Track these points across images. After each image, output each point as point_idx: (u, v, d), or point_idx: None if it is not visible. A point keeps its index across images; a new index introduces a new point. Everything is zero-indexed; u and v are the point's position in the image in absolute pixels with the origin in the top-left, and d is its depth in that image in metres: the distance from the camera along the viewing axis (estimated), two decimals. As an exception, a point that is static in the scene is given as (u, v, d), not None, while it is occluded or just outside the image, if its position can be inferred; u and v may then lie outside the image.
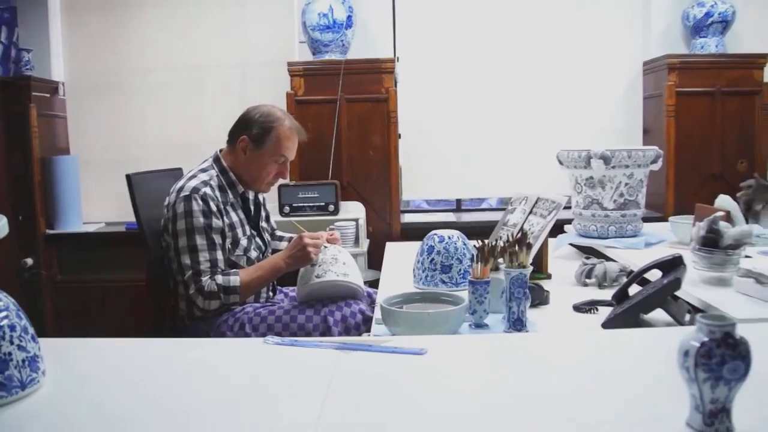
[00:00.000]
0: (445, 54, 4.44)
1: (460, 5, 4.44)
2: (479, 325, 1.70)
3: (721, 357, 0.89)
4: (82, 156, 4.33)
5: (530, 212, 2.38)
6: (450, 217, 4.52)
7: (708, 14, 4.25)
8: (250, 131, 2.27)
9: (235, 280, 2.15)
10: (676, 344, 0.95)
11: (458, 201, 4.75)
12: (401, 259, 2.54)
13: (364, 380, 1.22)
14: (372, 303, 2.29)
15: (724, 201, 2.67)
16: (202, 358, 1.36)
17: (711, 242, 1.94)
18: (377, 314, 1.77)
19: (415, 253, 2.26)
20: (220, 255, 2.16)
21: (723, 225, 1.96)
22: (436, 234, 2.22)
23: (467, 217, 4.51)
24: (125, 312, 3.99)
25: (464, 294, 1.75)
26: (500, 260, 1.78)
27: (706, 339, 0.90)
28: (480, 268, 1.72)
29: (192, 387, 1.19)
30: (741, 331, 0.92)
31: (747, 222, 2.75)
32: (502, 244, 1.75)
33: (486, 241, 1.80)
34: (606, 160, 2.61)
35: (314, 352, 1.36)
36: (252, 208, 2.42)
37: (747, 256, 2.12)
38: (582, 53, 4.47)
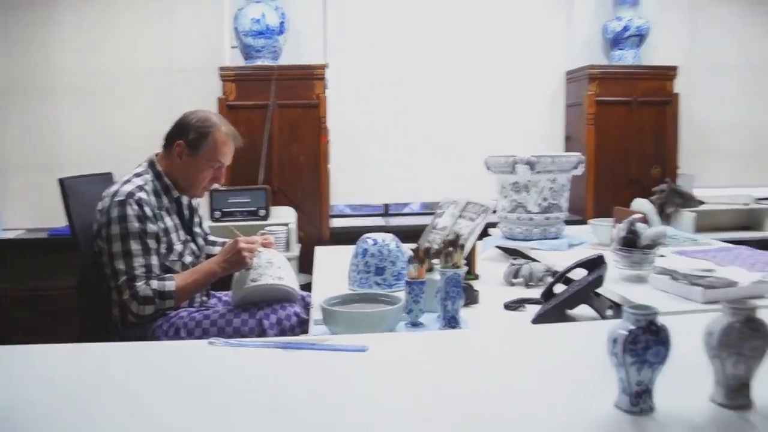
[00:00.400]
0: (375, 61, 4.52)
1: (389, 13, 4.53)
2: (415, 324, 1.76)
3: (645, 343, 0.97)
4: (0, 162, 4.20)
5: (459, 215, 2.46)
6: (379, 221, 4.59)
7: (626, 28, 4.46)
8: (187, 136, 2.26)
9: (170, 285, 2.14)
10: (600, 335, 1.03)
11: (386, 206, 4.83)
12: (332, 263, 2.58)
13: (310, 377, 1.26)
14: (306, 306, 2.32)
15: (640, 204, 2.81)
16: (148, 361, 1.36)
17: (630, 242, 2.06)
18: (316, 315, 1.81)
19: (345, 257, 2.30)
20: (155, 260, 2.15)
21: (640, 226, 2.09)
22: (370, 237, 2.26)
23: (395, 222, 4.59)
24: (50, 320, 3.89)
25: (399, 294, 1.81)
26: (434, 261, 1.85)
27: (632, 327, 0.99)
28: (416, 269, 1.78)
29: (141, 390, 1.20)
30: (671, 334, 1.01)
31: (664, 225, 2.90)
32: (436, 246, 1.82)
33: (420, 244, 1.87)
34: (531, 165, 2.72)
35: (260, 352, 1.39)
36: (186, 213, 2.42)
37: (661, 256, 2.25)
38: (508, 63, 4.63)
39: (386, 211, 4.85)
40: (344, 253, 2.35)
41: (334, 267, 2.46)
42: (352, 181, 4.52)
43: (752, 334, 1.01)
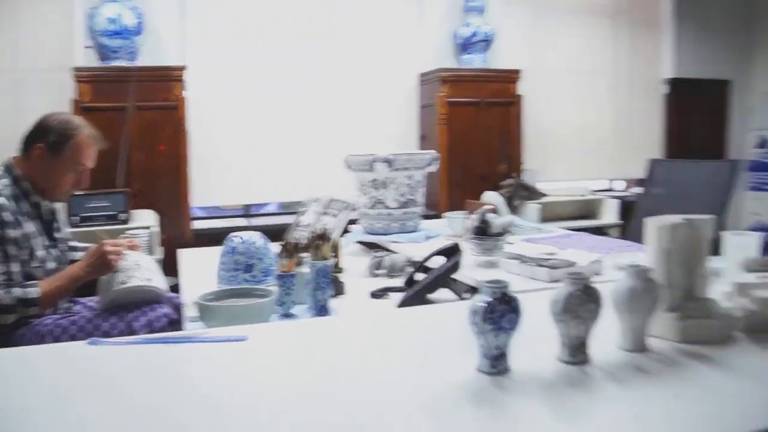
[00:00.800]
0: (234, 62, 4.53)
1: (248, 15, 4.55)
2: (287, 315, 1.84)
3: (501, 312, 1.12)
4: None
5: (323, 212, 2.56)
6: (240, 222, 4.60)
7: (474, 33, 4.74)
8: (47, 139, 2.20)
9: (33, 291, 2.08)
10: (459, 314, 1.17)
11: (247, 206, 4.85)
12: (198, 264, 2.59)
13: (194, 368, 1.31)
14: (176, 306, 2.32)
15: (490, 197, 3.03)
16: (24, 366, 1.35)
17: (482, 231, 2.24)
18: (191, 313, 1.84)
19: (210, 258, 2.33)
20: (15, 267, 2.09)
21: (491, 216, 2.28)
22: (237, 236, 2.31)
23: (256, 222, 4.61)
24: None
25: (270, 289, 1.88)
26: (303, 255, 1.93)
27: (490, 299, 1.12)
28: (286, 263, 1.85)
29: (18, 393, 1.21)
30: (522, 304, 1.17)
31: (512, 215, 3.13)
32: (305, 241, 1.90)
33: (288, 240, 1.95)
34: (389, 163, 2.86)
35: (140, 349, 1.41)
36: (47, 217, 2.36)
37: (510, 243, 2.45)
38: (365, 66, 4.79)
39: (247, 211, 4.87)
40: (209, 254, 2.37)
41: (200, 268, 2.48)
42: (213, 182, 4.50)
43: (588, 299, 1.19)
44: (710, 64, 5.99)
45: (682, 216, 1.42)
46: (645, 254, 1.46)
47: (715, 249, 2.00)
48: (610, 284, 1.33)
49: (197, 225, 4.41)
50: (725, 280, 1.62)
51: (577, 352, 1.22)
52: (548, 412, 1.05)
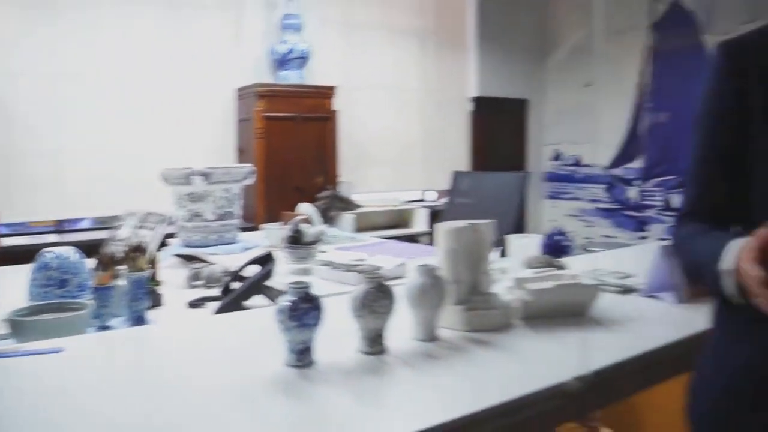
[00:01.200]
0: (48, 76, 4.34)
1: (63, 27, 4.39)
2: (104, 327, 1.86)
3: (304, 309, 1.25)
4: None
5: (139, 226, 2.57)
6: (52, 238, 4.43)
7: (290, 50, 4.88)
8: None
9: None
10: (272, 318, 1.28)
11: (59, 222, 4.67)
12: (4, 282, 2.50)
13: (8, 383, 1.33)
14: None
15: (304, 208, 3.16)
16: None
17: (295, 240, 2.38)
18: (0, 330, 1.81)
19: (17, 276, 2.27)
20: None
21: (304, 226, 2.42)
22: (50, 251, 2.27)
23: (69, 237, 4.45)
24: None
25: (85, 302, 1.89)
26: (119, 268, 1.96)
27: (294, 298, 1.26)
28: (102, 276, 1.88)
29: None
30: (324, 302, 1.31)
31: (325, 225, 3.29)
32: (121, 253, 1.93)
33: (105, 252, 1.97)
34: (206, 177, 2.92)
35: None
36: None
37: (323, 251, 2.60)
38: (182, 80, 4.78)
39: (60, 227, 4.68)
40: (15, 272, 2.31)
41: (7, 286, 2.40)
42: (20, 198, 4.29)
43: (383, 295, 1.36)
44: (510, 84, 6.55)
45: (467, 221, 1.63)
46: (435, 255, 1.65)
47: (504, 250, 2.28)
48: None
49: (2, 242, 4.19)
50: (509, 276, 1.87)
51: (374, 344, 1.38)
52: (349, 397, 1.20)
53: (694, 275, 1.19)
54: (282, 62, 4.94)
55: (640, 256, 2.35)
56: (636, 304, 1.90)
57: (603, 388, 1.36)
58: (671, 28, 5.80)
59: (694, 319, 1.62)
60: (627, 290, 2.01)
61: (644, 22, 5.94)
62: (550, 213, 6.91)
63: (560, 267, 1.99)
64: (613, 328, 1.65)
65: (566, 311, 1.67)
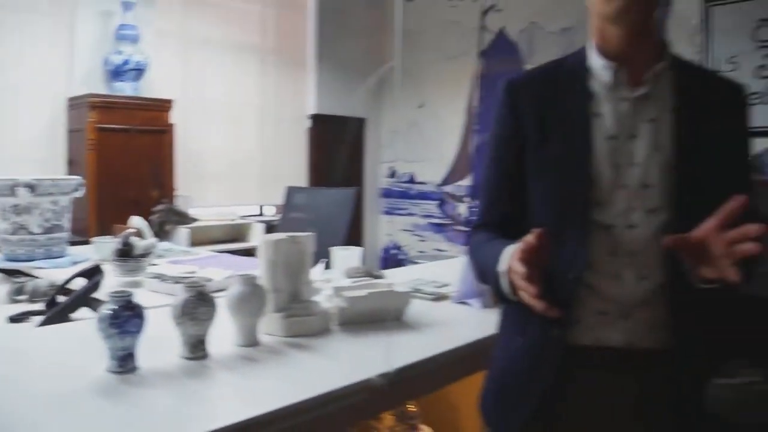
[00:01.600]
0: None
1: None
2: None
3: (126, 317, 1.31)
4: None
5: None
6: None
7: (126, 62, 4.79)
8: None
9: None
10: (96, 326, 1.34)
11: None
12: None
13: None
14: None
15: (135, 221, 3.15)
16: None
17: (125, 253, 2.39)
18: None
19: None
20: None
21: (134, 239, 2.44)
22: None
23: None
24: None
25: None
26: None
27: (115, 306, 1.32)
28: None
29: None
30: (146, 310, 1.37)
31: (160, 239, 3.30)
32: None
33: None
34: (32, 188, 2.85)
35: None
36: None
37: (155, 264, 2.62)
38: (6, 87, 4.55)
39: None
40: None
41: None
42: None
43: (203, 303, 1.44)
44: (348, 102, 6.76)
45: (287, 233, 1.75)
46: (258, 265, 1.76)
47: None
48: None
49: None
50: (330, 286, 2.00)
51: (196, 349, 1.46)
52: (171, 399, 1.28)
53: (482, 278, 1.37)
54: (117, 73, 4.83)
55: (458, 267, 2.57)
56: (447, 309, 2.10)
57: (406, 384, 1.52)
58: (497, 55, 6.24)
59: (495, 321, 1.83)
60: (440, 297, 2.21)
61: (474, 48, 6.34)
62: (386, 228, 7.17)
63: (378, 276, 2.16)
64: (421, 330, 1.83)
65: (381, 316, 1.83)
